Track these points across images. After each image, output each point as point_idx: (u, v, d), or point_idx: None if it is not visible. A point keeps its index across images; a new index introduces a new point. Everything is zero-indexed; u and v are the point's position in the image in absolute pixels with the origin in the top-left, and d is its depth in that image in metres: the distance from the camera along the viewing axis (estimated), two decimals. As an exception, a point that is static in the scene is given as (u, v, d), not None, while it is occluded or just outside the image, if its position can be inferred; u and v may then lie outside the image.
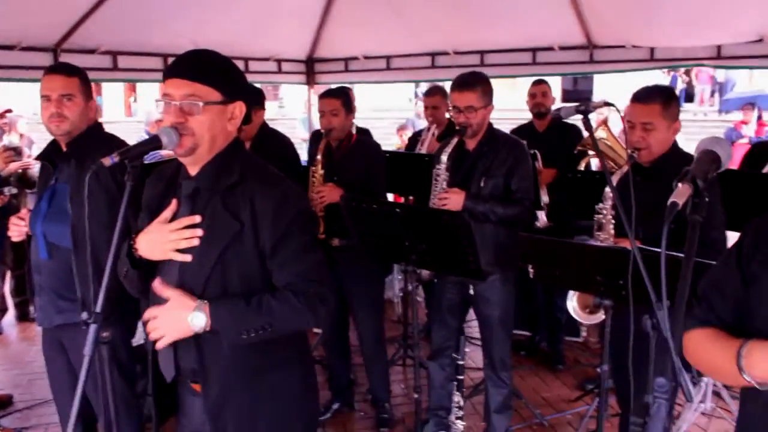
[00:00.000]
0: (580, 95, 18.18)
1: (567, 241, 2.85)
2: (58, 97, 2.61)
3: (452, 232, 2.72)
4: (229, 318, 1.72)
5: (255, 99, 3.68)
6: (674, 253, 1.31)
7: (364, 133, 5.23)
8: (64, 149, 2.70)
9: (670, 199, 1.17)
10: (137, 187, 1.75)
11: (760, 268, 1.42)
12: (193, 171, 1.82)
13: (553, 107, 4.74)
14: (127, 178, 1.70)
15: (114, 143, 2.73)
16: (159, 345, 1.75)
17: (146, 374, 1.96)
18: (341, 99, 3.65)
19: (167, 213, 1.81)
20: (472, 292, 3.36)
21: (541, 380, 4.48)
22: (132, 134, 10.26)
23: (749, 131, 9.87)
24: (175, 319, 1.72)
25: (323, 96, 3.71)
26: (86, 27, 4.45)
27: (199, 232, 1.76)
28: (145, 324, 1.79)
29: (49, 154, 2.76)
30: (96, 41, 4.66)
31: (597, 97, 18.28)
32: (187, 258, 1.76)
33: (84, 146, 2.65)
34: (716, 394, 3.74)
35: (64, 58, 4.46)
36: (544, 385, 4.40)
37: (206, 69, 1.77)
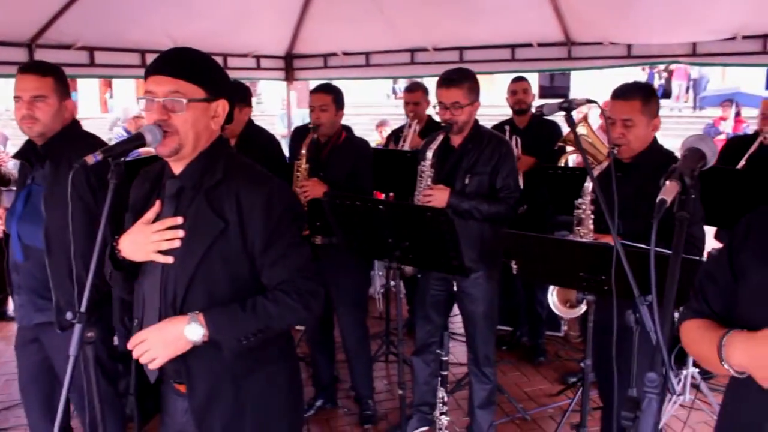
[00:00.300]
0: (557, 92, 18.34)
1: (551, 237, 2.88)
2: (29, 98, 2.53)
3: (435, 228, 2.73)
4: (227, 325, 1.71)
5: (241, 96, 3.64)
6: (660, 250, 1.33)
7: (346, 130, 5.22)
8: (40, 149, 2.65)
9: (659, 197, 1.18)
10: (118, 186, 1.73)
11: (748, 261, 1.45)
12: (177, 169, 1.81)
13: (533, 104, 4.79)
14: (111, 177, 1.68)
15: (89, 142, 2.68)
16: (152, 366, 1.72)
17: (128, 373, 1.95)
18: (332, 95, 3.63)
19: (150, 214, 1.79)
20: (456, 288, 3.38)
21: (522, 375, 4.51)
22: (108, 131, 10.13)
23: (727, 127, 10.02)
24: (168, 335, 1.70)
25: (314, 91, 3.68)
26: (62, 22, 4.37)
27: (181, 233, 1.74)
28: (126, 351, 1.77)
29: (26, 153, 2.70)
30: (72, 36, 4.58)
31: (574, 93, 18.45)
32: (169, 260, 1.75)
33: (59, 147, 2.59)
34: (695, 386, 3.80)
35: (40, 53, 4.38)
36: (525, 380, 4.44)
37: (190, 66, 1.76)
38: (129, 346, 1.74)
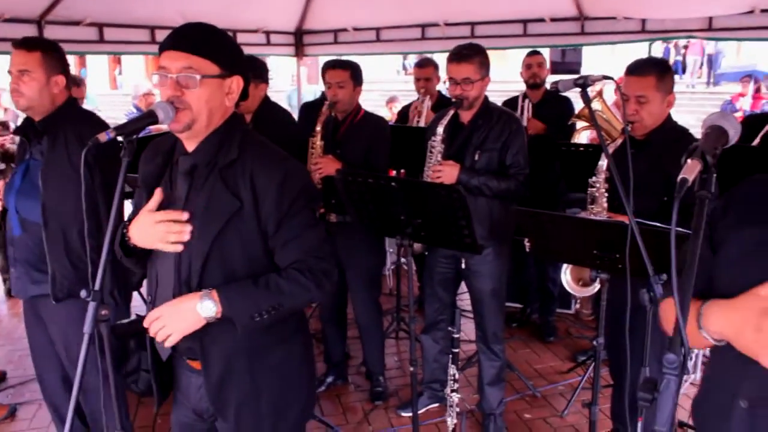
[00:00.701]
0: (568, 67, 18.15)
1: (564, 215, 2.86)
2: (17, 72, 2.58)
3: (448, 206, 2.71)
4: (239, 302, 1.70)
5: (258, 72, 3.58)
6: (679, 229, 1.32)
7: None
8: (38, 125, 2.68)
9: (680, 175, 1.16)
10: (112, 164, 1.69)
11: (725, 232, 1.44)
12: (190, 147, 1.79)
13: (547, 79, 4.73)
14: (123, 155, 1.67)
15: (87, 118, 2.75)
16: (167, 343, 1.72)
17: (140, 350, 1.96)
18: (349, 71, 3.54)
19: (152, 204, 1.77)
20: (464, 266, 3.37)
21: (532, 352, 4.52)
22: (118, 107, 10.10)
23: (745, 104, 9.85)
24: (182, 312, 1.70)
25: (331, 67, 3.57)
26: (71, -2, 4.36)
27: (189, 228, 1.73)
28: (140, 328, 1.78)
29: (25, 129, 2.75)
30: (81, 13, 4.57)
31: (585, 69, 18.25)
32: (179, 248, 1.74)
33: (56, 123, 2.64)
34: (705, 365, 3.78)
35: (49, 30, 4.37)
36: (535, 357, 4.44)
37: (204, 42, 1.73)
38: (144, 324, 1.75)
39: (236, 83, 1.79)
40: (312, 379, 2.07)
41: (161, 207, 1.79)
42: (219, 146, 1.77)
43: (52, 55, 2.63)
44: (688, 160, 1.19)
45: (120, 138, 1.67)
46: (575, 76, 2.26)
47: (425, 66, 4.90)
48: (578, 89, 2.27)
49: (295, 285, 1.75)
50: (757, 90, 10.18)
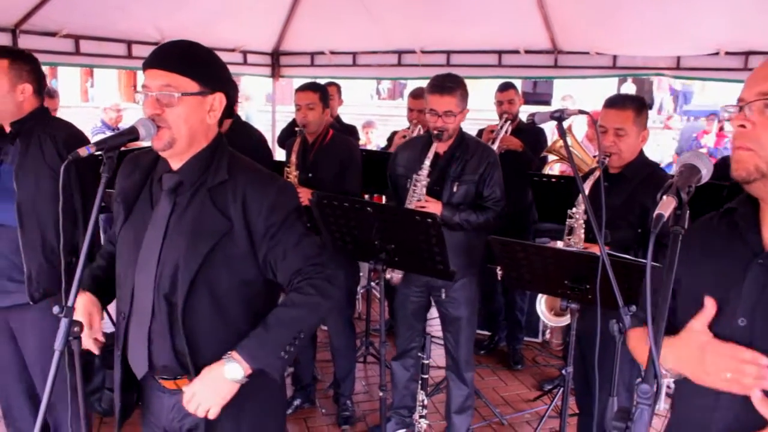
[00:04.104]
0: (539, 98, 18.45)
1: (536, 244, 2.90)
2: None
3: (423, 232, 2.73)
4: (262, 351, 1.71)
5: None
6: (656, 264, 1.35)
7: (350, 130, 5.20)
8: (8, 130, 2.67)
9: (656, 211, 1.19)
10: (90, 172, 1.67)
11: (681, 268, 1.48)
12: (174, 164, 1.78)
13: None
14: (103, 170, 1.65)
15: (60, 123, 2.78)
16: (212, 415, 1.72)
17: (105, 367, 1.93)
18: (318, 93, 3.62)
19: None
20: (444, 296, 3.35)
21: (500, 379, 4.54)
22: (88, 120, 9.98)
23: (709, 141, 10.13)
24: (213, 383, 1.70)
25: (300, 89, 3.66)
26: (48, 8, 4.30)
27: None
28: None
29: None
30: (58, 24, 4.51)
31: (556, 100, 18.60)
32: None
33: (29, 126, 2.66)
34: (669, 395, 3.85)
35: (24, 39, 4.31)
36: (503, 385, 4.46)
37: (184, 60, 1.74)
38: (184, 404, 1.74)
39: (219, 100, 1.79)
40: (284, 400, 2.06)
41: (139, 225, 1.79)
42: (207, 165, 1.77)
43: (20, 64, 2.64)
44: (664, 197, 1.23)
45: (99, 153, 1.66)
46: (552, 109, 2.31)
47: (420, 96, 4.83)
48: (554, 122, 2.33)
49: (302, 308, 1.76)
50: (721, 128, 10.50)
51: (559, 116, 2.26)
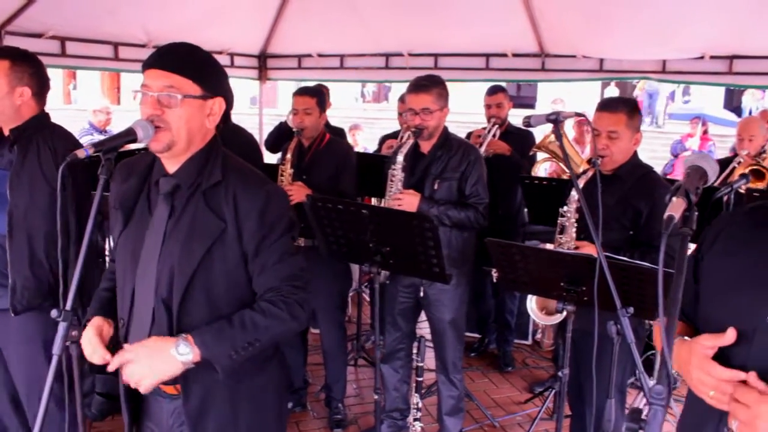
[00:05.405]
0: (524, 101, 18.53)
1: (534, 247, 2.90)
2: None
3: (419, 235, 2.73)
4: (215, 343, 1.65)
5: None
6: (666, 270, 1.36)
7: (338, 133, 5.20)
8: (6, 134, 2.61)
9: (667, 213, 1.20)
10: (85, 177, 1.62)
11: (712, 259, 1.49)
12: (171, 167, 1.77)
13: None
14: (101, 172, 1.63)
15: (59, 132, 2.69)
16: (142, 389, 1.64)
17: (94, 372, 1.90)
18: (316, 98, 3.63)
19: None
20: (422, 294, 3.38)
21: (490, 382, 4.54)
22: (71, 123, 9.85)
23: (694, 144, 10.23)
24: (158, 355, 1.62)
25: (298, 93, 3.67)
26: (34, 9, 4.24)
27: None
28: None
29: None
30: (44, 25, 4.45)
31: (540, 103, 18.74)
32: None
33: (28, 133, 2.59)
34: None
35: (9, 40, 4.24)
36: (493, 387, 4.46)
37: (187, 61, 1.72)
38: (115, 364, 1.67)
39: (218, 105, 1.77)
40: (285, 400, 2.05)
41: (138, 231, 1.76)
42: (202, 167, 1.76)
43: (22, 66, 2.58)
44: (673, 198, 1.23)
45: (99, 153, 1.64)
46: (548, 112, 2.32)
47: None
48: (542, 126, 2.35)
49: (270, 318, 1.72)
50: (705, 132, 10.60)
51: (556, 118, 2.28)
